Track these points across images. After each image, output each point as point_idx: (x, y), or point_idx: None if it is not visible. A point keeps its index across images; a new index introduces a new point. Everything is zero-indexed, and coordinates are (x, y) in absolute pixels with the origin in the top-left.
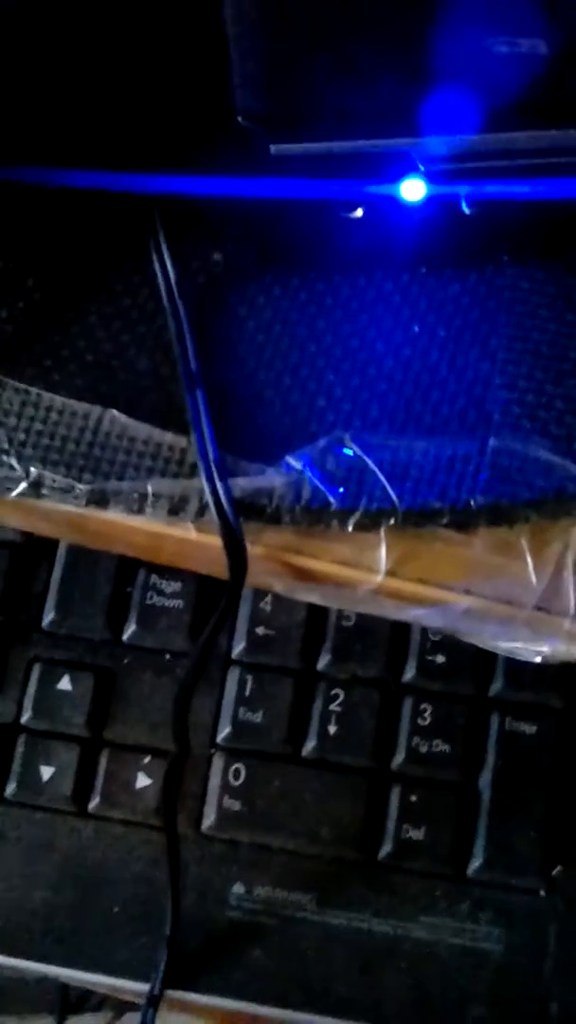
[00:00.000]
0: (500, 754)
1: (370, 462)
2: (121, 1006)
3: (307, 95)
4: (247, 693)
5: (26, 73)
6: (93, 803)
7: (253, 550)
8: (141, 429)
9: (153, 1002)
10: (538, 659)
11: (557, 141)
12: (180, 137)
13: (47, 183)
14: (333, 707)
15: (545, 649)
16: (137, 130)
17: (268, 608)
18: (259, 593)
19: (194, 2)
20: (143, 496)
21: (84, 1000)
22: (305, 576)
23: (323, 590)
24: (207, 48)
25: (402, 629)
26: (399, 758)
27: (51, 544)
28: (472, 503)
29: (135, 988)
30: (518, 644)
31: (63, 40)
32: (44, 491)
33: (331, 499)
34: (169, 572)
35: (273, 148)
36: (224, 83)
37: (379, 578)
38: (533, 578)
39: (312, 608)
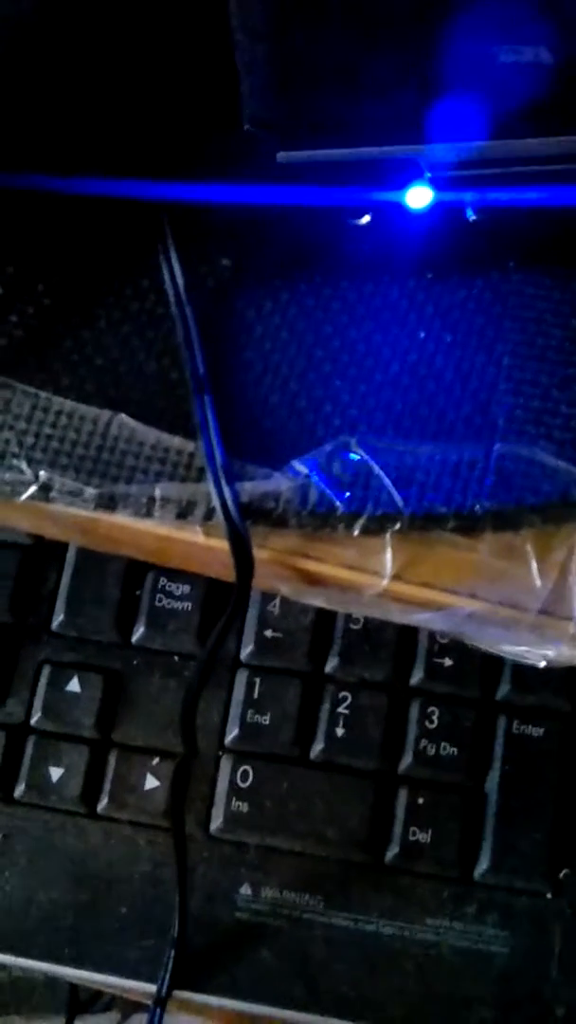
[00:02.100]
0: (507, 757)
1: (376, 467)
2: (129, 1007)
3: (314, 103)
4: (255, 695)
5: (35, 81)
6: (101, 804)
7: (260, 554)
8: (149, 433)
9: (160, 1003)
10: (543, 663)
11: (563, 148)
12: (188, 144)
13: (57, 190)
14: (341, 710)
15: (550, 653)
16: (146, 137)
17: (276, 611)
18: (267, 596)
19: (202, 10)
20: (151, 500)
21: (93, 1001)
22: (311, 580)
23: (329, 594)
24: (215, 56)
25: (410, 632)
26: (406, 761)
27: (60, 546)
28: (477, 508)
29: (143, 989)
30: (523, 648)
31: (73, 48)
32: (53, 494)
33: (337, 503)
34: (178, 574)
35: (280, 155)
36: (232, 91)
37: (385, 582)
38: (538, 582)
39: (320, 611)
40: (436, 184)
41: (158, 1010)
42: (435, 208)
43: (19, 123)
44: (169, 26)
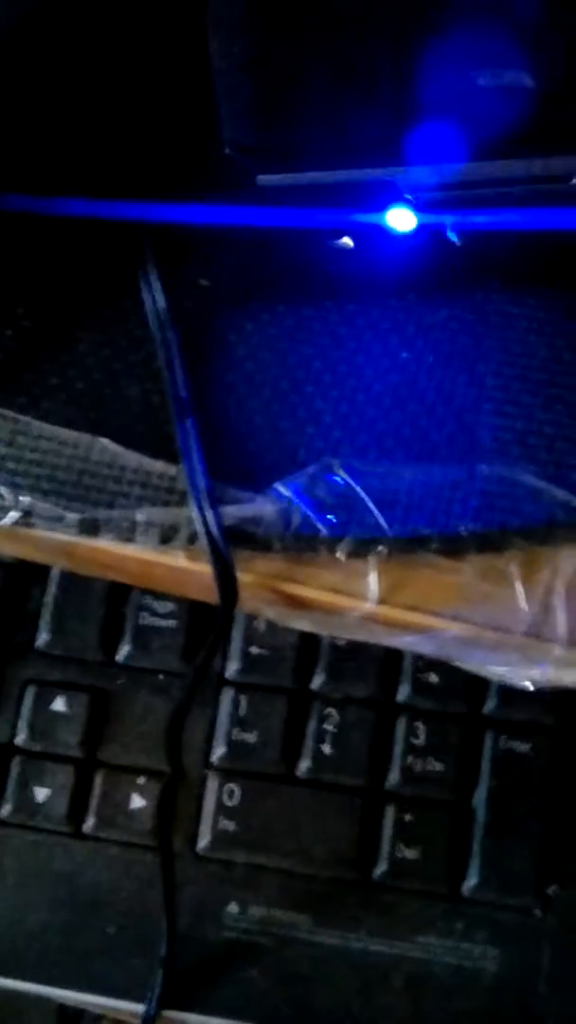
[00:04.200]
0: (494, 773)
1: (359, 489)
2: None
3: (293, 126)
4: (241, 713)
5: (17, 102)
6: (88, 824)
7: (243, 578)
8: (131, 457)
9: (149, 1023)
10: (529, 684)
11: (544, 170)
12: (168, 166)
13: (36, 211)
14: (327, 727)
15: (536, 674)
16: (126, 159)
17: (262, 628)
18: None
19: (181, 35)
20: (133, 524)
21: (79, 1018)
22: (296, 603)
23: (314, 617)
24: (195, 80)
25: (395, 649)
26: (393, 777)
27: (45, 565)
28: (462, 530)
29: (131, 1009)
30: (509, 670)
31: (53, 71)
32: (35, 520)
33: (321, 526)
34: (162, 593)
35: (260, 178)
36: (212, 115)
37: (369, 605)
38: (523, 604)
39: None
40: (417, 206)
41: None
42: (417, 230)
43: (0, 145)
44: (150, 50)
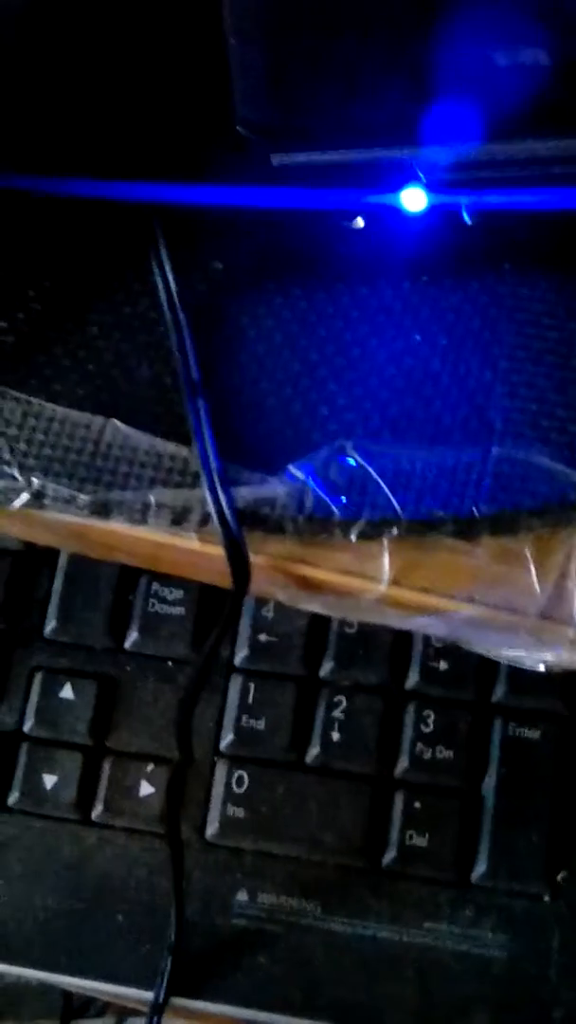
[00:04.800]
0: (503, 760)
1: (373, 471)
2: (123, 1012)
3: (307, 105)
4: (250, 700)
5: (25, 82)
6: (96, 811)
7: (256, 560)
8: (143, 439)
9: (157, 1010)
10: (542, 667)
11: (559, 150)
12: (181, 147)
13: (47, 192)
14: (336, 714)
15: (549, 657)
16: (138, 140)
17: (270, 615)
18: (261, 600)
19: (195, 13)
20: (146, 506)
21: (87, 1006)
22: (308, 585)
23: (326, 599)
24: (208, 58)
25: (404, 635)
26: (402, 764)
27: (52, 552)
28: (475, 512)
29: (139, 996)
30: (522, 652)
31: (65, 50)
32: (46, 501)
33: (334, 508)
34: (171, 579)
35: (274, 158)
36: (225, 93)
37: (382, 587)
38: (537, 586)
39: (314, 615)
40: (431, 187)
41: (156, 1018)
42: (430, 211)
43: (9, 124)
44: (162, 28)
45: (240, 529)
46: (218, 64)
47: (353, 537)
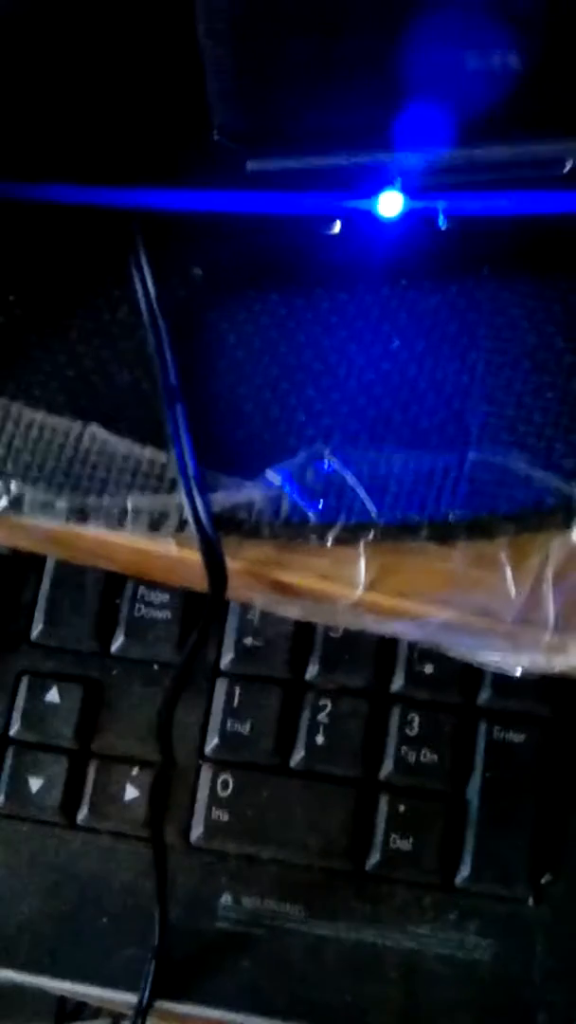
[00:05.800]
0: (488, 763)
1: (349, 476)
2: (117, 1016)
3: (282, 111)
4: (235, 704)
5: (2, 87)
6: (81, 815)
7: (233, 565)
8: (121, 444)
9: (141, 1013)
10: (518, 672)
11: (534, 154)
12: (158, 152)
13: (26, 198)
14: (321, 717)
15: (525, 662)
16: (115, 145)
17: (255, 619)
18: (246, 604)
19: (170, 18)
20: (123, 512)
21: (80, 1009)
22: (285, 590)
23: (303, 604)
24: (184, 64)
25: (389, 639)
26: (387, 768)
27: (39, 556)
28: (451, 516)
29: (123, 999)
30: (498, 657)
31: (41, 57)
32: (25, 507)
33: (310, 513)
34: (157, 583)
35: (249, 164)
36: (201, 99)
37: (359, 592)
38: (513, 591)
39: None
40: (407, 191)
41: (139, 1020)
42: (407, 215)
43: None
44: (138, 34)
45: (217, 534)
46: (195, 70)
47: (329, 542)
